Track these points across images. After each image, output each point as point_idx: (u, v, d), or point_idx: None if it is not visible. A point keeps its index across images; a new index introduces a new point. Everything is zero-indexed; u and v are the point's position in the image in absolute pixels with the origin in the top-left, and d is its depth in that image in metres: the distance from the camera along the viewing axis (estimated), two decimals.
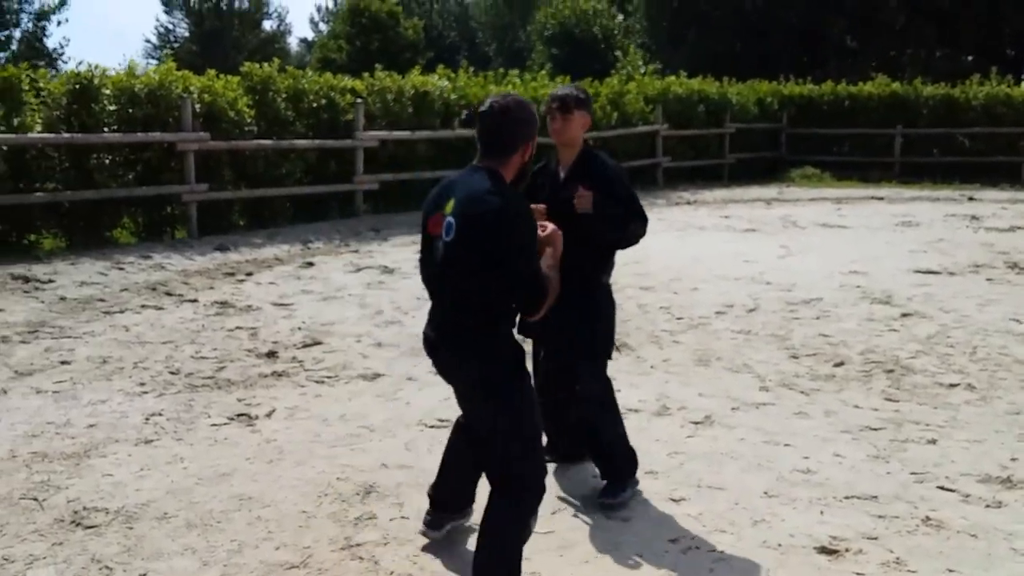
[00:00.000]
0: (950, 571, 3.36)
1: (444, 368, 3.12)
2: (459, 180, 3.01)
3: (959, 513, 3.83)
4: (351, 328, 6.94)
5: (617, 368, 5.48)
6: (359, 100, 12.98)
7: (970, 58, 33.07)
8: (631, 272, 9.05)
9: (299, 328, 6.91)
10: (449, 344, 3.03)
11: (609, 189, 3.79)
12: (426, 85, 14.21)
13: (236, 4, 48.39)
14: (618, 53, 31.81)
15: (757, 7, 33.84)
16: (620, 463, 3.98)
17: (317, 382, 5.58)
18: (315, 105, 12.67)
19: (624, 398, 5.28)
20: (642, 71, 24.15)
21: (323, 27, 59.73)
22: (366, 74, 14.12)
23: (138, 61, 13.79)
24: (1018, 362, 6.08)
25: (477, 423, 3.15)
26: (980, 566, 3.39)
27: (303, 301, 7.88)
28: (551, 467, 4.17)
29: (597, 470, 4.09)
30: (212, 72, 11.74)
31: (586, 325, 3.89)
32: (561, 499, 3.95)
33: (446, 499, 3.54)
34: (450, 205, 2.92)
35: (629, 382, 5.56)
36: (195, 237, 10.82)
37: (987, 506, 3.92)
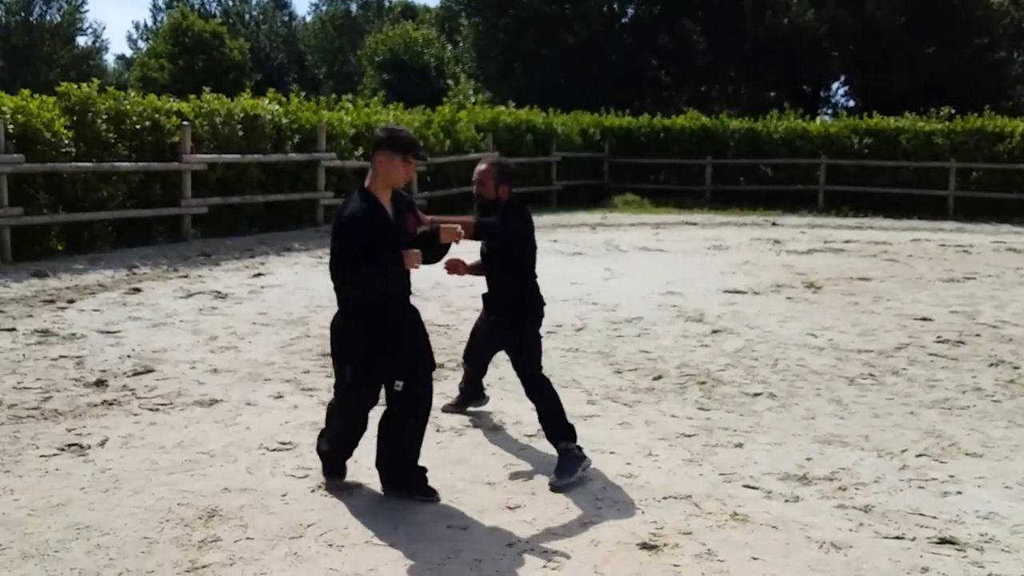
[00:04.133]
0: (754, 559, 3.78)
1: None
2: None
3: (762, 508, 4.29)
4: (184, 355, 6.83)
5: (455, 388, 5.73)
6: (185, 123, 12.68)
7: (772, 93, 35.88)
8: (468, 295, 9.33)
9: (128, 356, 6.74)
10: None
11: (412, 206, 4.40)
12: (256, 109, 14.05)
13: (48, 18, 45.72)
14: (450, 82, 32.34)
15: (580, 44, 35.39)
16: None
17: (151, 410, 5.49)
18: (138, 127, 12.28)
19: (462, 416, 5.54)
20: (472, 100, 24.73)
21: (142, 44, 57.34)
22: (193, 96, 13.81)
23: None
24: (813, 372, 6.77)
25: None
26: (780, 553, 3.83)
27: (131, 328, 7.66)
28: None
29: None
30: (26, 92, 11.19)
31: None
32: (401, 513, 4.12)
33: None
34: None
35: None
36: (9, 263, 10.25)
37: (786, 501, 4.40)
